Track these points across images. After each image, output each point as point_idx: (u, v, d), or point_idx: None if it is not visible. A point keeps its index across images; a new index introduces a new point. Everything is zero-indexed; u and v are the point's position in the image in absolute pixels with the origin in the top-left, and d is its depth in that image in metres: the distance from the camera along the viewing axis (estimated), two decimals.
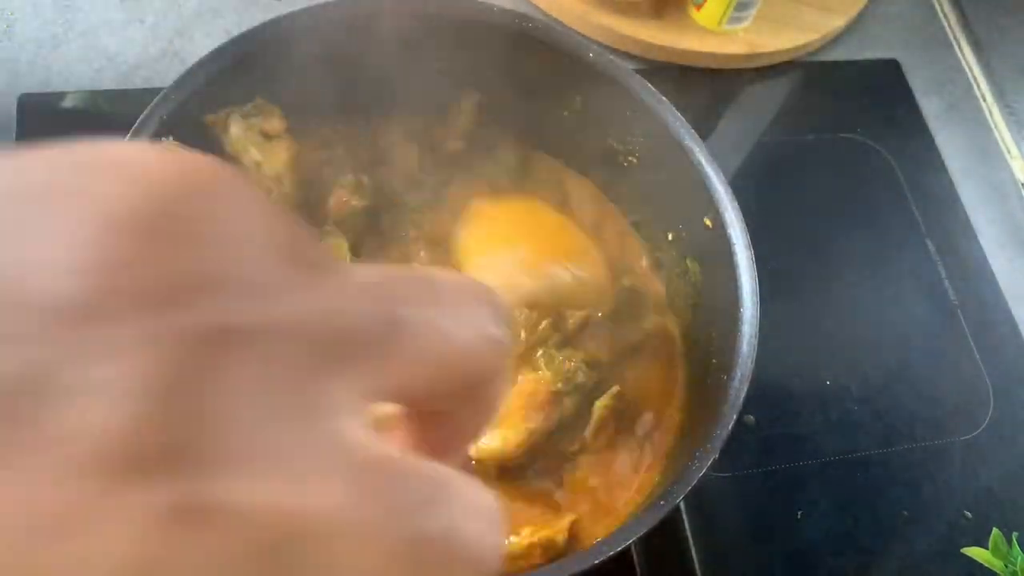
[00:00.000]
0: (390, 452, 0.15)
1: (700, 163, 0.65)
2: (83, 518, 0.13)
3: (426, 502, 0.15)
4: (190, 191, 0.15)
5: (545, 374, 0.64)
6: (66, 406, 0.13)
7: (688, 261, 0.70)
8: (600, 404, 0.64)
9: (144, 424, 0.13)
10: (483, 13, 0.67)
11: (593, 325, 0.69)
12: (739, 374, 0.58)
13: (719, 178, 0.64)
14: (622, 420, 0.65)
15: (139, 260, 0.14)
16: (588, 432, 0.64)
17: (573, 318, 0.68)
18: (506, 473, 0.62)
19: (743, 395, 0.58)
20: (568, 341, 0.67)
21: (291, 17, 0.63)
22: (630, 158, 0.72)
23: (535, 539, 0.58)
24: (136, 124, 0.58)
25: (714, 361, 0.64)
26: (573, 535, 0.60)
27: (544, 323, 0.67)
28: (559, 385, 0.63)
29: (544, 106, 0.73)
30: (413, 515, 0.15)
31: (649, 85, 0.67)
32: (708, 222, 0.65)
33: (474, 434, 0.20)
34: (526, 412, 0.62)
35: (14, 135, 0.75)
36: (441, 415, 0.19)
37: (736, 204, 0.64)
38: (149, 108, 0.59)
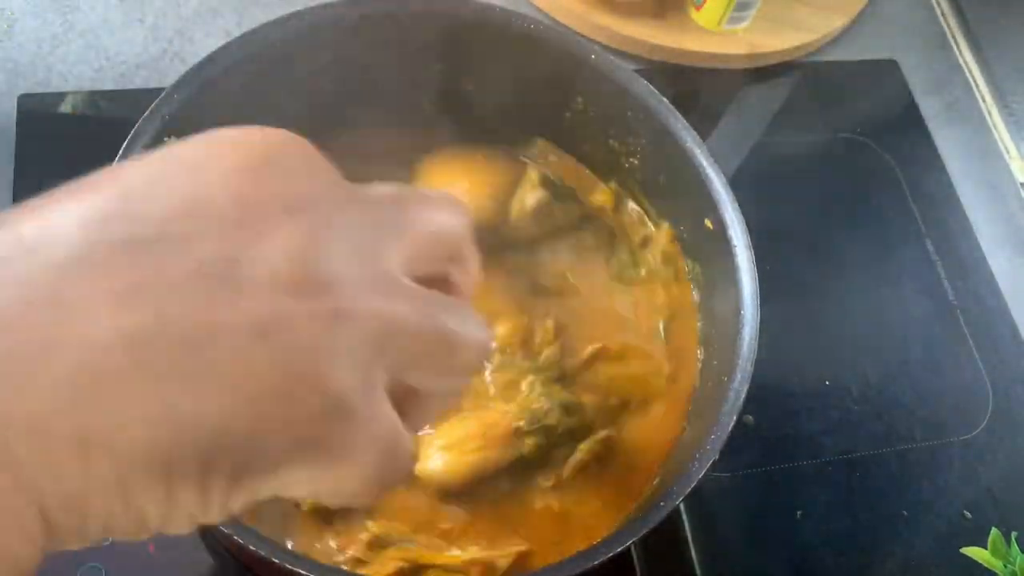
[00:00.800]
0: (424, 289, 0.27)
1: (701, 165, 0.65)
2: (285, 321, 0.23)
3: (447, 311, 0.27)
4: (274, 151, 0.26)
5: (510, 408, 0.62)
6: (252, 265, 0.23)
7: (689, 262, 0.70)
8: (584, 447, 0.62)
9: (300, 269, 0.24)
10: (485, 14, 0.67)
11: (604, 361, 0.67)
12: (739, 376, 0.58)
13: (720, 180, 0.64)
14: (604, 464, 0.64)
15: (259, 190, 0.25)
16: (565, 471, 0.62)
17: (586, 351, 0.67)
18: (450, 497, 0.61)
19: (743, 397, 0.57)
20: (568, 376, 0.65)
21: (290, 19, 0.64)
22: (631, 159, 0.72)
23: (476, 556, 0.57)
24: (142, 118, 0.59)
25: (715, 363, 0.63)
26: (519, 563, 0.59)
27: (547, 351, 0.66)
28: (521, 423, 0.61)
29: (547, 107, 0.73)
30: (441, 316, 0.27)
31: (650, 86, 0.67)
32: (709, 224, 0.65)
33: (468, 289, 0.31)
34: (480, 442, 0.60)
35: (14, 135, 0.75)
36: (444, 282, 0.30)
37: (737, 206, 0.63)
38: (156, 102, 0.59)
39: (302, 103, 0.65)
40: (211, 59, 0.62)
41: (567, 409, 0.63)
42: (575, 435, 0.63)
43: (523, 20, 0.68)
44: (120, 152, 0.58)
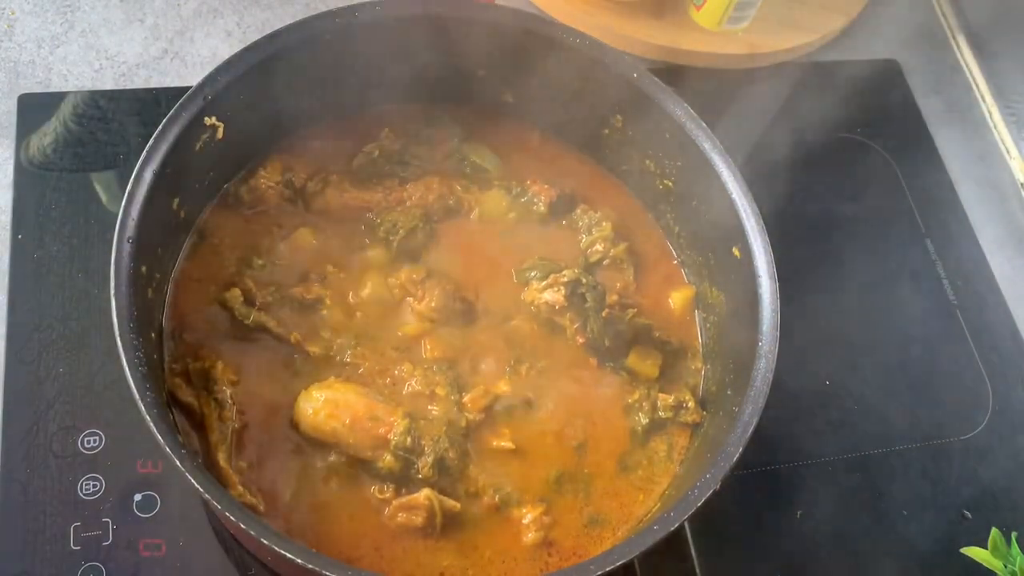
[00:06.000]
0: None
1: (735, 193, 0.64)
2: None
3: None
4: None
5: (395, 416, 0.62)
6: None
7: (713, 290, 0.70)
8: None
9: None
10: (529, 24, 0.68)
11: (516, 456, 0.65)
12: (750, 408, 0.57)
13: (752, 209, 0.64)
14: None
15: None
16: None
17: (501, 440, 0.65)
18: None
19: (751, 429, 0.56)
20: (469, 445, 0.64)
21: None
22: (666, 181, 0.71)
23: None
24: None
25: (729, 392, 0.63)
26: None
27: (474, 415, 0.64)
28: (394, 437, 0.61)
29: (584, 122, 0.73)
30: None
31: (690, 110, 0.66)
32: (736, 252, 0.65)
33: None
34: (349, 419, 0.60)
35: (14, 135, 0.75)
36: None
37: (767, 236, 0.62)
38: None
39: (351, 87, 0.66)
40: (270, 38, 0.63)
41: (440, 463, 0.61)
42: (427, 483, 0.61)
43: (572, 35, 0.67)
44: (157, 132, 0.58)
